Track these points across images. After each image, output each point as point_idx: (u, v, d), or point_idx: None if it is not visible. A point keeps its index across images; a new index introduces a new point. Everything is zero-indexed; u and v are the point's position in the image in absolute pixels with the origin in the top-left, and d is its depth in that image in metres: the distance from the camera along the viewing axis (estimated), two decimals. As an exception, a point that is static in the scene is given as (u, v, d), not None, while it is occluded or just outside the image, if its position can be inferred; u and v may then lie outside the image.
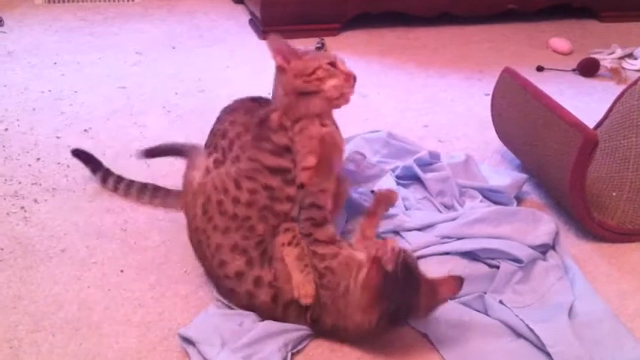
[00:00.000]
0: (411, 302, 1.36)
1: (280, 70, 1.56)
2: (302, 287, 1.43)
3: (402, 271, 1.36)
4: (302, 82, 1.51)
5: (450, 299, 1.45)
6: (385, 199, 1.68)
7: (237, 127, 1.62)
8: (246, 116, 1.63)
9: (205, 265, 1.55)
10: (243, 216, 1.47)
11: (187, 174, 1.63)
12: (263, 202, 1.47)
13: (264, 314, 1.47)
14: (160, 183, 1.94)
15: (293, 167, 1.49)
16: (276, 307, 1.45)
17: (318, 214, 1.47)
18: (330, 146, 1.51)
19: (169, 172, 2.01)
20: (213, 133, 1.70)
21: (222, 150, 1.61)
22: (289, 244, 1.46)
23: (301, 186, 1.49)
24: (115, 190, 1.91)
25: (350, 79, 1.54)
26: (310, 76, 1.51)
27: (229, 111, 1.71)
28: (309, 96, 1.51)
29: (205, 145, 1.70)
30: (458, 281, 1.41)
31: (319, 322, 1.43)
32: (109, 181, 1.91)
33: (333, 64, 1.53)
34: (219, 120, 1.72)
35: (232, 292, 1.49)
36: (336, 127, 1.59)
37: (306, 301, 1.42)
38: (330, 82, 1.52)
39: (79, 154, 1.95)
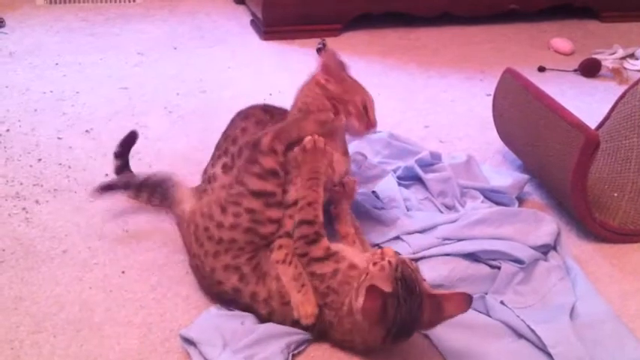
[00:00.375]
0: (414, 319, 1.32)
1: (316, 84, 1.59)
2: (302, 307, 1.43)
3: (402, 288, 1.31)
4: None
5: (456, 316, 1.36)
6: (345, 194, 1.62)
7: (247, 136, 1.62)
8: (256, 127, 1.64)
9: (204, 286, 1.56)
10: (229, 239, 1.48)
11: (175, 210, 1.68)
12: (246, 224, 1.48)
13: (264, 317, 1.48)
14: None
15: (278, 191, 1.49)
16: (273, 321, 1.46)
17: (310, 229, 1.46)
18: (313, 154, 1.50)
19: (170, 172, 2.00)
20: (225, 136, 1.71)
21: (232, 156, 1.62)
22: (283, 261, 1.46)
23: (295, 203, 1.49)
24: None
25: (370, 129, 1.61)
26: (339, 105, 1.57)
27: (243, 117, 1.71)
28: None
29: (216, 147, 1.72)
30: (466, 299, 1.33)
31: (326, 337, 1.44)
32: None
33: (365, 107, 1.58)
34: (232, 124, 1.73)
35: (233, 303, 1.50)
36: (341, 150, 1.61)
37: (307, 321, 1.42)
38: (354, 122, 1.59)
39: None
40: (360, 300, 1.31)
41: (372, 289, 1.29)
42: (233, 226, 1.48)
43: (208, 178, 1.68)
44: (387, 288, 1.29)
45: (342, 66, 1.62)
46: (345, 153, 1.64)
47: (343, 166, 1.62)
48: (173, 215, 1.74)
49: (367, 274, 1.35)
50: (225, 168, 1.62)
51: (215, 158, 1.70)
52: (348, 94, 1.59)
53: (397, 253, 1.40)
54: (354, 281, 1.37)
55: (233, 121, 1.73)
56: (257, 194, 1.48)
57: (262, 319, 1.47)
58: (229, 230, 1.48)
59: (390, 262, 1.34)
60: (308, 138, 1.50)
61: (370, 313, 1.30)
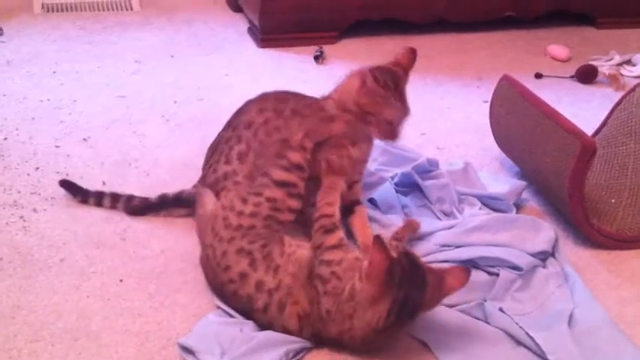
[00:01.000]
0: (418, 292, 1.35)
1: (356, 89, 1.66)
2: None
3: (406, 261, 1.36)
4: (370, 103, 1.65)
5: (457, 290, 1.41)
6: (411, 227, 1.73)
7: (267, 113, 1.73)
8: (278, 103, 1.73)
9: (210, 278, 1.56)
10: (248, 225, 1.52)
11: (199, 211, 1.70)
12: (266, 212, 1.54)
13: (261, 321, 1.47)
14: (160, 192, 1.93)
15: (300, 184, 1.57)
16: (268, 317, 1.46)
17: (328, 221, 1.51)
18: (337, 170, 1.61)
19: (168, 181, 2.01)
20: (233, 126, 1.76)
21: (247, 140, 1.70)
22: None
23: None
24: (114, 207, 1.89)
25: (390, 140, 1.73)
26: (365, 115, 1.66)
27: (256, 101, 1.77)
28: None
29: (219, 142, 1.78)
30: (465, 272, 1.39)
31: (322, 334, 1.43)
32: (104, 202, 1.89)
33: (391, 122, 1.68)
34: (241, 112, 1.78)
35: (234, 295, 1.49)
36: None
37: None
38: (374, 132, 1.69)
39: (67, 186, 1.92)
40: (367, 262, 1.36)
41: (378, 241, 1.33)
42: (253, 214, 1.53)
43: (224, 175, 1.71)
44: (392, 254, 1.35)
45: (387, 81, 1.69)
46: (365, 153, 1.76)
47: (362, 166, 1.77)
48: (195, 217, 1.73)
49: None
50: (241, 155, 1.69)
51: (222, 153, 1.73)
52: (378, 107, 1.66)
53: None
54: (359, 265, 1.40)
55: (242, 110, 1.79)
56: (280, 184, 1.56)
57: (256, 314, 1.46)
58: (249, 217, 1.53)
59: (391, 244, 1.43)
60: (334, 158, 1.63)
61: (376, 269, 1.33)
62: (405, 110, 1.70)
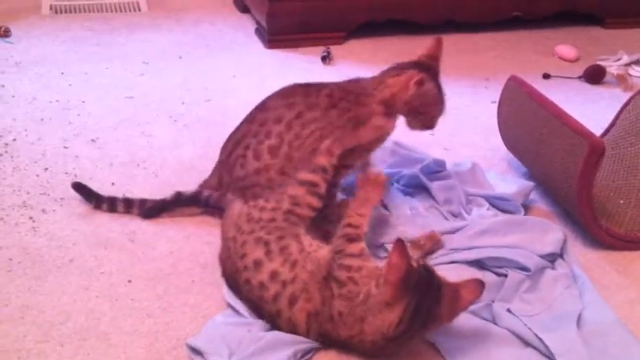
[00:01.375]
0: (432, 303, 1.35)
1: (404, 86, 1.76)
2: None
3: (425, 272, 1.37)
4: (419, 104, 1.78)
5: (473, 303, 1.41)
6: (434, 238, 1.73)
7: (298, 107, 1.79)
8: (306, 98, 1.80)
9: (227, 269, 1.58)
10: (268, 218, 1.58)
11: (227, 214, 1.71)
12: (286, 207, 1.60)
13: (268, 311, 1.47)
14: (168, 193, 1.94)
15: (322, 185, 1.64)
16: (276, 307, 1.46)
17: (354, 231, 1.52)
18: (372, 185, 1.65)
19: (177, 183, 2.01)
20: (259, 122, 1.81)
21: (279, 135, 1.77)
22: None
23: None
24: (128, 212, 1.89)
25: (431, 129, 1.86)
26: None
27: (280, 96, 1.83)
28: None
29: (247, 135, 1.82)
30: (479, 284, 1.40)
31: (331, 336, 1.43)
32: (118, 207, 1.89)
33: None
34: (266, 108, 1.83)
35: (247, 284, 1.50)
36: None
37: None
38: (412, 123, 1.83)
39: (80, 189, 1.91)
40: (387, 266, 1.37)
41: (399, 245, 1.35)
42: (274, 209, 1.60)
43: (255, 171, 1.78)
44: (412, 262, 1.36)
45: (437, 81, 1.83)
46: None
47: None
48: (222, 218, 1.72)
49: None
50: (273, 150, 1.77)
51: (249, 148, 1.79)
52: (430, 107, 1.80)
53: None
54: (377, 273, 1.41)
55: (266, 106, 1.84)
56: (302, 183, 1.63)
57: (265, 304, 1.47)
58: (270, 211, 1.59)
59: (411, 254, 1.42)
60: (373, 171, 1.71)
61: (395, 270, 1.34)
62: (445, 103, 1.83)
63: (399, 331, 1.35)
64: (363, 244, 1.52)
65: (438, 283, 1.38)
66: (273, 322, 1.47)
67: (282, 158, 1.77)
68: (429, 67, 1.81)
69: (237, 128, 1.88)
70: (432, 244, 1.71)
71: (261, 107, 1.85)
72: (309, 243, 1.55)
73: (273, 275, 1.47)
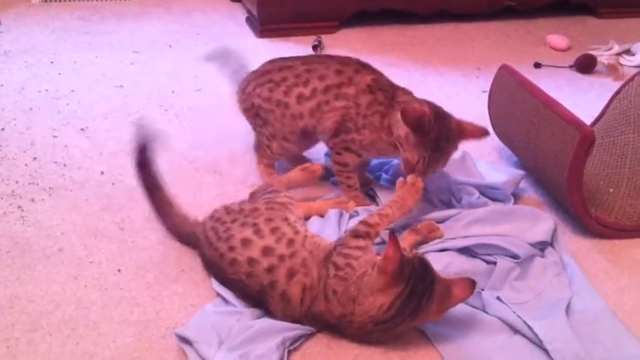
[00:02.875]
0: (424, 295, 1.37)
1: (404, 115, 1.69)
2: None
3: (419, 265, 1.39)
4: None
5: (463, 301, 1.43)
6: (431, 227, 1.73)
7: (344, 76, 1.83)
8: (355, 74, 1.84)
9: (208, 256, 1.57)
10: (250, 209, 1.61)
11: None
12: (264, 203, 1.65)
13: (260, 281, 1.46)
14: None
15: None
16: (270, 278, 1.46)
17: (365, 229, 1.53)
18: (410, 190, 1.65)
19: (167, 172, 2.00)
20: (307, 69, 1.85)
21: (314, 90, 1.82)
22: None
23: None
24: None
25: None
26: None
27: (339, 61, 1.88)
28: None
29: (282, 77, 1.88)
30: (471, 284, 1.41)
31: (323, 317, 1.43)
32: None
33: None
34: (319, 61, 1.89)
35: (233, 264, 1.50)
36: None
37: None
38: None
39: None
40: (382, 256, 1.38)
41: (393, 238, 1.36)
42: (253, 201, 1.67)
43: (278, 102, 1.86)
44: (406, 253, 1.39)
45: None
46: None
47: None
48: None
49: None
50: (302, 97, 1.83)
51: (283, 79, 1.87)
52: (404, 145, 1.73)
53: None
54: (373, 263, 1.42)
55: (321, 59, 1.92)
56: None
57: (255, 277, 1.47)
58: (250, 204, 1.64)
59: (405, 248, 1.44)
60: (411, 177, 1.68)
61: (390, 262, 1.35)
62: (435, 159, 1.74)
63: (387, 316, 1.37)
64: (369, 243, 1.52)
65: (432, 277, 1.39)
66: (263, 295, 1.46)
67: (306, 109, 1.82)
68: (441, 116, 1.73)
69: (280, 69, 1.91)
70: (429, 231, 1.71)
71: (317, 59, 1.93)
72: (303, 228, 1.57)
73: (266, 251, 1.48)
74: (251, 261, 1.48)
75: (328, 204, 1.83)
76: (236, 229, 1.54)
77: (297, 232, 1.54)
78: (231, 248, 1.51)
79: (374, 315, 1.38)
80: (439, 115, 1.70)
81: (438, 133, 1.67)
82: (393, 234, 1.38)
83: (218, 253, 1.54)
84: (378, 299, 1.37)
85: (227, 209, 1.63)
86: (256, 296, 1.48)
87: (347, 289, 1.40)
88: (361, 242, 1.50)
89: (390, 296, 1.36)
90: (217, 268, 1.55)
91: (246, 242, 1.50)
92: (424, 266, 1.40)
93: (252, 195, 1.74)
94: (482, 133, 1.75)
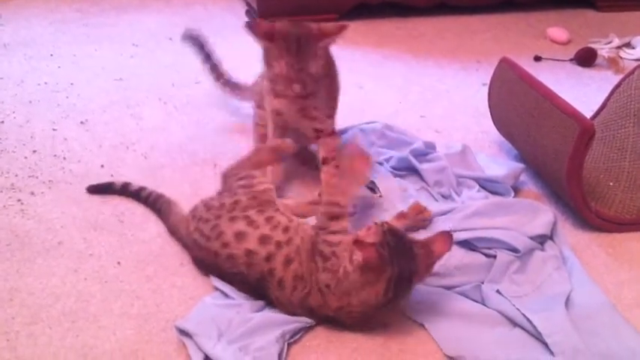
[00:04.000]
0: (410, 264, 1.39)
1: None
2: None
3: (392, 238, 1.39)
4: None
5: (444, 254, 1.45)
6: (418, 209, 1.72)
7: None
8: None
9: (203, 258, 1.57)
10: (231, 202, 1.59)
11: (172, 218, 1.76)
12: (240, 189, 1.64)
13: (260, 269, 1.47)
14: (157, 175, 1.94)
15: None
16: (269, 265, 1.46)
17: (339, 210, 1.52)
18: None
19: (167, 165, 2.01)
20: None
21: None
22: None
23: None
24: None
25: None
26: None
27: None
28: None
29: None
30: (448, 237, 1.43)
31: (321, 310, 1.44)
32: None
33: None
34: None
35: (229, 259, 1.50)
36: None
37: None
38: None
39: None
40: (354, 256, 1.38)
41: (357, 242, 1.38)
42: (232, 194, 1.62)
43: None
44: (372, 239, 1.38)
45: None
46: None
47: None
48: (168, 222, 1.77)
49: (355, 236, 1.41)
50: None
51: None
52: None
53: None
54: (349, 250, 1.42)
55: None
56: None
57: (254, 266, 1.47)
58: (230, 198, 1.60)
59: (375, 223, 1.44)
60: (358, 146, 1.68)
61: (368, 262, 1.36)
62: None
63: (387, 298, 1.39)
64: (346, 223, 1.52)
65: (409, 243, 1.41)
66: (263, 283, 1.47)
67: None
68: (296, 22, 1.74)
69: None
70: (416, 213, 1.71)
71: None
72: (297, 220, 1.57)
73: (264, 239, 1.48)
74: (249, 252, 1.48)
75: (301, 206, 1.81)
76: (225, 224, 1.53)
77: (291, 220, 1.54)
78: (225, 244, 1.51)
79: (373, 302, 1.40)
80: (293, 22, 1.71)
81: (295, 36, 1.68)
82: (357, 240, 1.38)
83: (212, 253, 1.53)
84: (373, 290, 1.38)
85: (206, 206, 1.61)
86: (256, 285, 1.48)
87: (339, 283, 1.41)
88: (339, 225, 1.50)
89: (382, 283, 1.38)
90: (214, 267, 1.55)
91: (240, 235, 1.50)
92: (397, 237, 1.41)
93: (225, 177, 1.70)
94: (340, 28, 1.75)
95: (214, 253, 1.53)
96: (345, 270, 1.40)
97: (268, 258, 1.47)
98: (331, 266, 1.43)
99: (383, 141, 2.08)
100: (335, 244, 1.46)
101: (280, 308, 1.47)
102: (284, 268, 1.45)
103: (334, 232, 1.49)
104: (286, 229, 1.51)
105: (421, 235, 1.58)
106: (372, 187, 1.90)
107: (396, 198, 1.84)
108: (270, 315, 1.45)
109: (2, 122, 2.22)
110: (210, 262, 1.55)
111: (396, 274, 1.37)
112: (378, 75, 2.68)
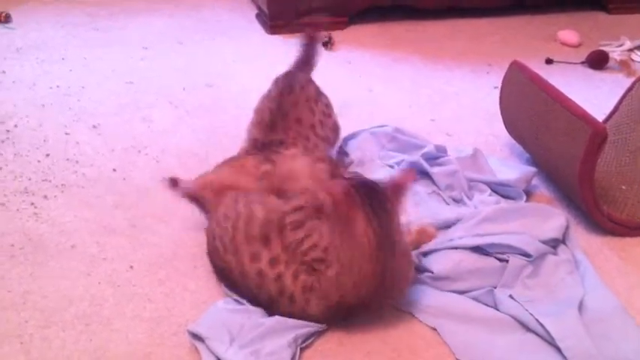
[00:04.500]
0: (381, 199, 1.41)
1: None
2: None
3: (357, 182, 1.44)
4: None
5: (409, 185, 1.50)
6: (425, 234, 1.71)
7: None
8: None
9: (221, 262, 1.55)
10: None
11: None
12: None
13: (265, 297, 1.46)
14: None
15: None
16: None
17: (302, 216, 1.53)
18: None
19: (178, 169, 2.01)
20: None
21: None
22: None
23: None
24: None
25: None
26: None
27: None
28: None
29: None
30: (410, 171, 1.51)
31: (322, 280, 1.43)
32: None
33: None
34: None
35: (244, 275, 1.48)
36: None
37: None
38: None
39: None
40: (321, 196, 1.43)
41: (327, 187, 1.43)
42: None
43: None
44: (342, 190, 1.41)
45: None
46: None
47: None
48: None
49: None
50: None
51: None
52: None
53: None
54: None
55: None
56: None
57: (267, 287, 1.46)
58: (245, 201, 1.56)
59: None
60: None
61: (336, 191, 1.39)
62: None
63: (376, 235, 1.38)
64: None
65: (372, 183, 1.45)
66: (274, 304, 1.46)
67: None
68: None
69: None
70: (423, 237, 1.70)
71: None
72: None
73: (273, 261, 1.46)
74: (260, 272, 1.46)
75: None
76: (241, 241, 1.49)
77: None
78: (240, 263, 1.49)
79: (367, 247, 1.38)
80: None
81: None
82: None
83: (228, 267, 1.52)
84: (355, 231, 1.38)
85: (225, 214, 1.55)
86: (267, 304, 1.48)
87: (329, 248, 1.41)
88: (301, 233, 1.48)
89: (361, 220, 1.37)
90: (228, 278, 1.54)
91: (255, 256, 1.47)
92: (361, 180, 1.45)
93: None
94: None
95: (229, 269, 1.51)
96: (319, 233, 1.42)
97: (277, 278, 1.45)
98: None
99: (393, 144, 2.08)
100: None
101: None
102: (294, 281, 1.44)
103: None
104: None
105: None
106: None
107: (406, 202, 1.84)
108: (282, 319, 1.44)
109: (16, 126, 2.23)
110: (225, 274, 1.54)
111: (371, 209, 1.38)
112: (388, 78, 2.68)
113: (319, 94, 1.93)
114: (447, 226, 1.75)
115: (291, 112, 1.83)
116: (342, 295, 1.41)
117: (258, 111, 1.88)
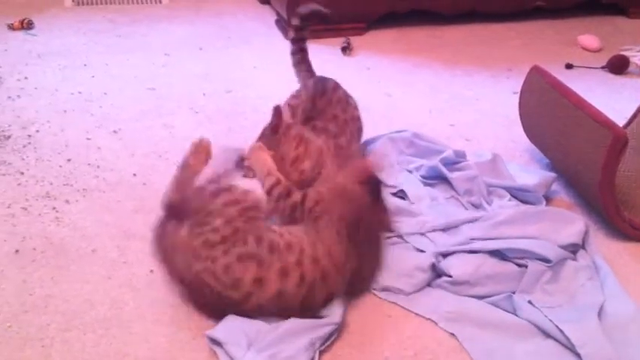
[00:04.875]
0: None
1: None
2: None
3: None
4: None
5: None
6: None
7: None
8: None
9: (217, 300, 1.48)
10: (230, 232, 1.48)
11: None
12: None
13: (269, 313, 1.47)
14: (188, 183, 1.95)
15: None
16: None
17: (280, 188, 1.63)
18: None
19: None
20: None
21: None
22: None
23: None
24: None
25: None
26: None
27: None
28: None
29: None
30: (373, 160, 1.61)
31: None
32: None
33: None
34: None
35: (259, 308, 1.46)
36: None
37: None
38: None
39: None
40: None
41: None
42: (228, 221, 1.49)
43: None
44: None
45: None
46: None
47: None
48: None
49: None
50: None
51: None
52: None
53: None
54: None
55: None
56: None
57: (268, 308, 1.46)
58: (226, 226, 1.49)
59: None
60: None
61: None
62: None
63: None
64: (297, 193, 1.60)
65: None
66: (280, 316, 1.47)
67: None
68: None
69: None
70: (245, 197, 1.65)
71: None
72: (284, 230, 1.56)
73: (284, 272, 1.45)
74: (280, 294, 1.46)
75: None
76: (238, 268, 1.45)
77: (282, 235, 1.51)
78: (248, 294, 1.46)
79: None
80: None
81: None
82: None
83: (225, 302, 1.47)
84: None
85: (205, 242, 1.47)
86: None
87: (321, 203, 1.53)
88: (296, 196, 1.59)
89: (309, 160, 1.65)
90: (229, 311, 1.49)
91: (259, 281, 1.45)
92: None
93: (186, 202, 1.59)
94: None
95: (228, 303, 1.47)
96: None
97: (279, 295, 1.46)
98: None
99: (412, 149, 2.08)
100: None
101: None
102: (313, 267, 1.47)
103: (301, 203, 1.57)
104: (289, 247, 1.49)
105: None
106: (403, 196, 1.90)
107: (425, 206, 1.84)
108: (298, 322, 1.44)
109: (37, 131, 2.26)
110: (224, 309, 1.48)
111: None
112: (407, 83, 2.68)
113: (348, 96, 1.98)
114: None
115: (328, 110, 1.92)
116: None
117: (292, 107, 1.98)
